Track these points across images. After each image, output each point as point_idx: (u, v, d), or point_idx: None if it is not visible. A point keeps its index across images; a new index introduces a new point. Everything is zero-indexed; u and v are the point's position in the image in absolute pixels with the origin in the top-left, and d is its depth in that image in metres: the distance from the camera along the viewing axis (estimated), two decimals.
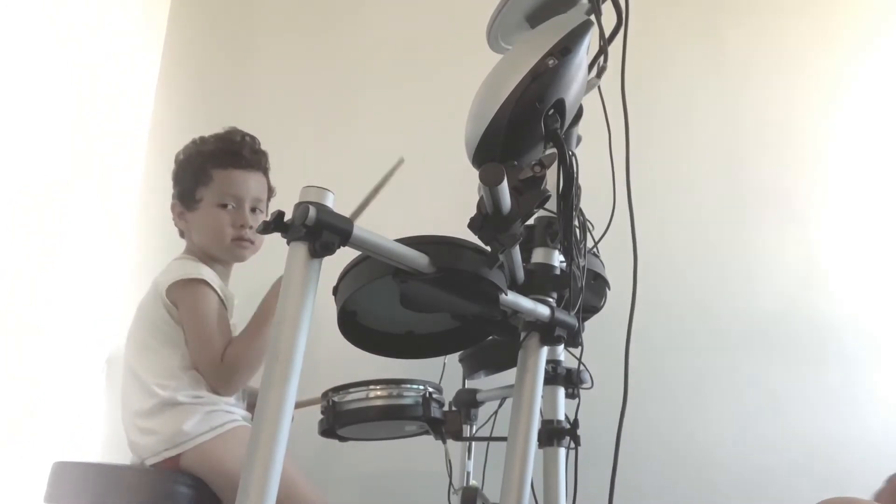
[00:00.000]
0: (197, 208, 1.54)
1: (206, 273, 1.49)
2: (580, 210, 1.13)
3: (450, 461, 1.31)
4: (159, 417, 1.40)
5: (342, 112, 2.26)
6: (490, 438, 1.41)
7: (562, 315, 1.03)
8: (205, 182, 1.54)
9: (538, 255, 1.11)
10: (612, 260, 1.31)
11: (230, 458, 1.36)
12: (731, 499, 1.94)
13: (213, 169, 1.54)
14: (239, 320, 1.56)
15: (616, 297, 1.31)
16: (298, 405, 1.53)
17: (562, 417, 1.15)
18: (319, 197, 0.79)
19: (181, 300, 1.46)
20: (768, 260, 2.12)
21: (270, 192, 1.63)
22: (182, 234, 1.60)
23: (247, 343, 1.46)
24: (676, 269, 2.08)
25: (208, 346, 1.44)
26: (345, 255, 0.85)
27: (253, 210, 1.56)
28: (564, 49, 0.95)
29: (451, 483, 1.36)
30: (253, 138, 1.60)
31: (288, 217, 0.78)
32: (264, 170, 1.61)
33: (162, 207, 1.62)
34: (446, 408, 1.26)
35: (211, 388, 1.44)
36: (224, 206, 1.54)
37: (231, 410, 1.45)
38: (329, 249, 0.78)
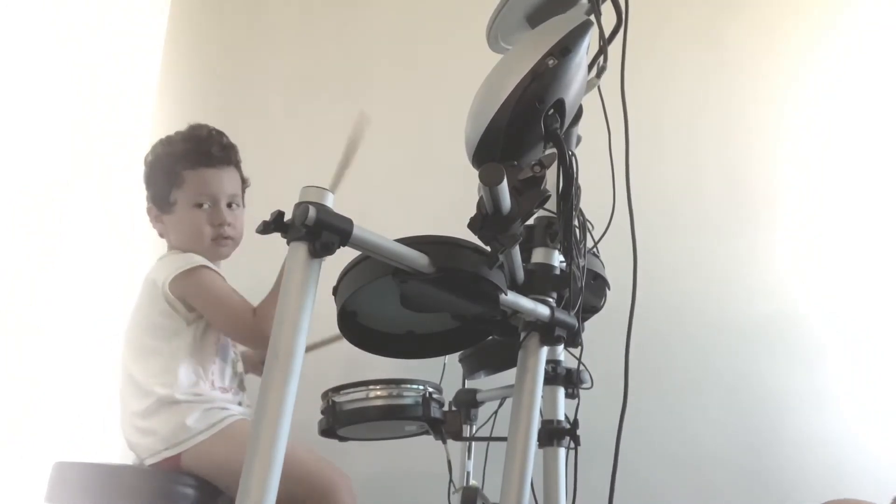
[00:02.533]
0: (172, 211, 1.53)
1: (200, 259, 1.49)
2: (580, 210, 1.13)
3: (450, 461, 1.31)
4: (157, 416, 1.40)
5: (342, 112, 2.26)
6: (490, 438, 1.42)
7: (562, 315, 1.03)
8: (177, 184, 1.51)
9: (538, 255, 1.11)
10: (612, 260, 1.31)
11: (233, 454, 1.34)
12: (730, 499, 1.94)
13: (183, 170, 1.51)
14: None
15: (616, 297, 1.31)
16: (311, 348, 1.56)
17: (562, 417, 1.16)
18: (319, 197, 0.79)
19: (190, 290, 1.46)
20: (768, 259, 2.12)
21: (244, 183, 1.61)
22: (161, 235, 1.59)
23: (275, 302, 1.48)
24: (676, 268, 2.08)
25: (237, 315, 1.45)
26: (345, 256, 0.85)
27: (229, 205, 1.55)
28: (564, 49, 0.95)
29: (451, 483, 1.36)
30: (220, 133, 1.57)
31: (288, 217, 0.78)
32: (236, 163, 1.59)
33: None
34: (446, 408, 1.26)
35: (250, 347, 1.54)
36: (200, 205, 1.52)
37: (227, 406, 1.45)
38: (329, 249, 0.78)
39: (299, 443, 1.29)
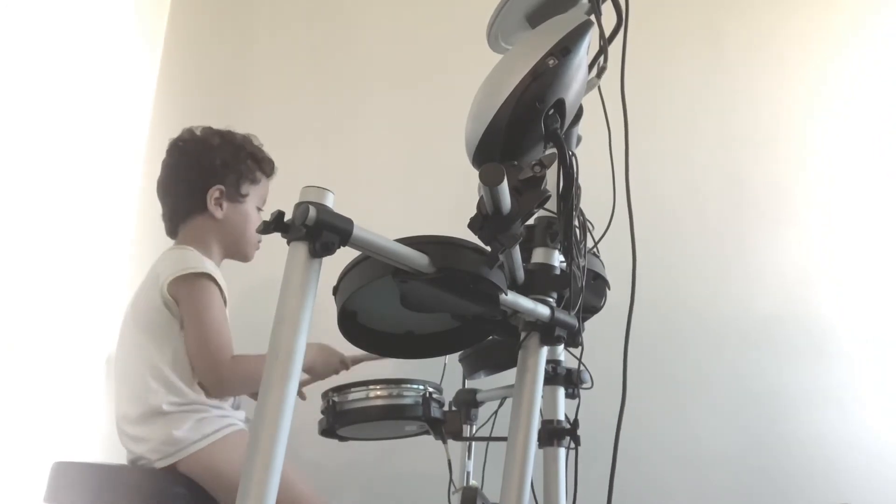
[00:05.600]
0: (242, 202, 1.58)
1: (210, 266, 1.47)
2: (580, 210, 1.13)
3: (450, 461, 1.31)
4: (148, 426, 1.38)
5: (342, 112, 2.26)
6: (490, 438, 1.41)
7: (562, 315, 1.03)
8: (254, 182, 1.60)
9: (538, 255, 1.11)
10: (612, 260, 1.31)
11: (228, 464, 1.34)
12: (730, 499, 1.94)
13: (259, 172, 1.61)
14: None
15: (616, 297, 1.31)
16: (356, 361, 1.54)
17: (562, 417, 1.15)
18: (319, 197, 0.79)
19: (184, 295, 1.43)
20: (768, 260, 2.12)
21: None
22: (175, 227, 1.57)
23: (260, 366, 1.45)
24: (676, 269, 2.08)
25: (209, 346, 1.41)
26: (345, 256, 0.85)
27: None
28: (564, 49, 0.95)
29: (451, 483, 1.36)
30: None
31: (288, 217, 0.78)
32: None
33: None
34: (446, 408, 1.26)
35: (202, 387, 1.42)
36: (259, 210, 1.62)
37: (225, 415, 1.43)
38: (329, 249, 0.78)
39: (293, 468, 1.29)
